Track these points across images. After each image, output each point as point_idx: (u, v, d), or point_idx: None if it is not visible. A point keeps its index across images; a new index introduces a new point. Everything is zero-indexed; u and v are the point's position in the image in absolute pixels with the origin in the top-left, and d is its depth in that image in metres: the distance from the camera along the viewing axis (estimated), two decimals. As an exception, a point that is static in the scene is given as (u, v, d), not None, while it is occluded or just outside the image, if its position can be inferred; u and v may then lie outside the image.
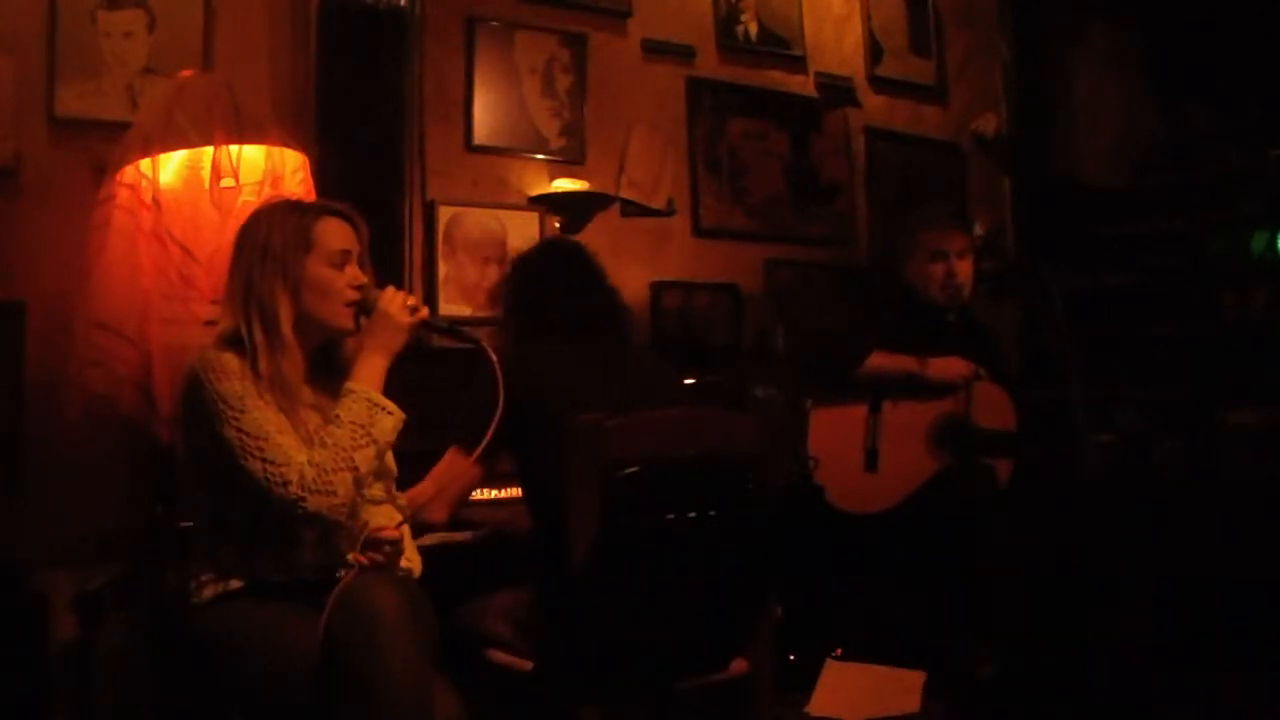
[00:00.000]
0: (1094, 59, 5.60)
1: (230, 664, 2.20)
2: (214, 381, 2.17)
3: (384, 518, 2.37)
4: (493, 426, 2.31)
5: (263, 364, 2.22)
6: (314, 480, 2.12)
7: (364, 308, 2.34)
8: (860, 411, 3.55)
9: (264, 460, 2.12)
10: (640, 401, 2.66)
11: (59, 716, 3.07)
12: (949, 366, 3.58)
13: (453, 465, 2.71)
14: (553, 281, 2.97)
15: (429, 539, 2.79)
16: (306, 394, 2.32)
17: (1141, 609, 3.48)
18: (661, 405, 2.68)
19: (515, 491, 3.03)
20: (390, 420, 2.25)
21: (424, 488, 2.72)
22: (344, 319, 2.33)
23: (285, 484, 2.11)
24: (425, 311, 2.36)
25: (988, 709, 3.34)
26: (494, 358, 2.34)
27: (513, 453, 2.75)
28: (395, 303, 2.31)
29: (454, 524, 2.86)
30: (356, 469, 2.17)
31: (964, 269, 3.66)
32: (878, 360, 3.54)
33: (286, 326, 2.26)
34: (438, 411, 2.68)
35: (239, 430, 2.14)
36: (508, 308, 3.05)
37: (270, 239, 2.30)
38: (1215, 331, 4.87)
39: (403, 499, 2.52)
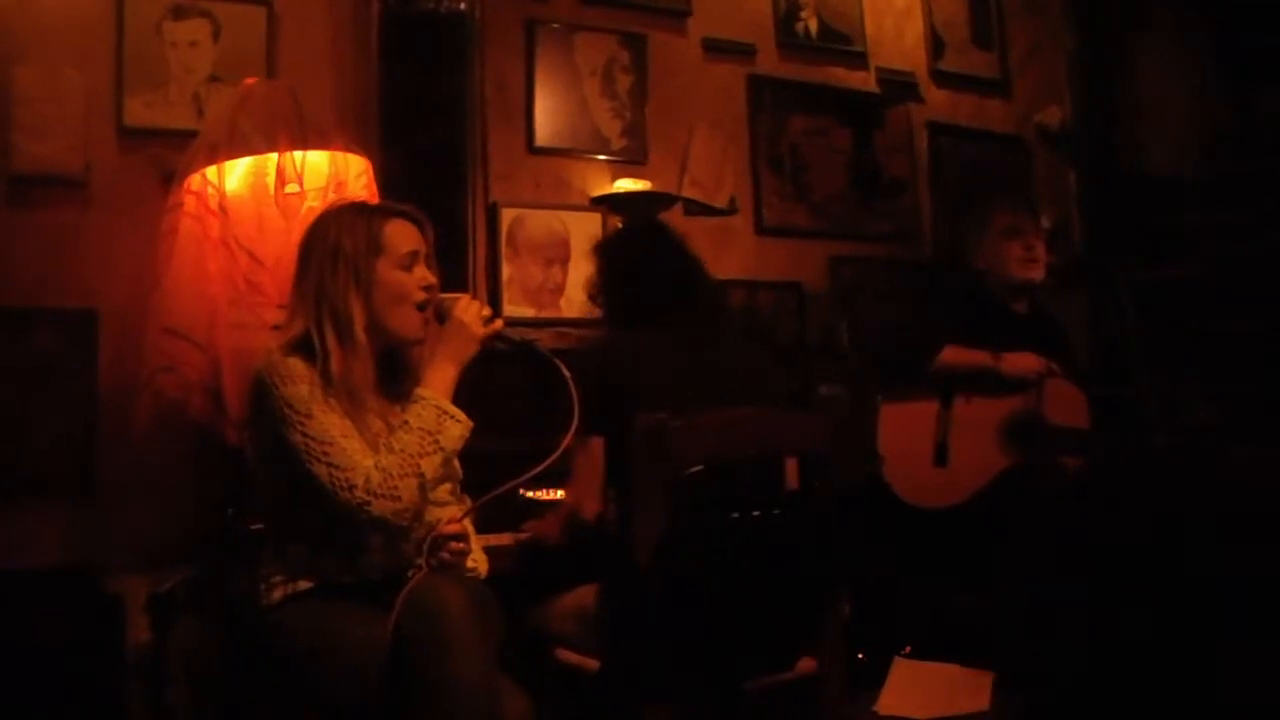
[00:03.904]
0: (1160, 47, 5.50)
1: (299, 664, 2.22)
2: (280, 386, 2.20)
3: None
4: (568, 437, 2.29)
5: (334, 367, 2.23)
6: (380, 485, 2.14)
7: (439, 314, 2.35)
8: (930, 407, 3.51)
9: (329, 465, 2.14)
10: (716, 394, 2.65)
11: (134, 715, 3.11)
12: (1023, 362, 3.53)
13: (586, 459, 2.71)
14: (634, 266, 2.98)
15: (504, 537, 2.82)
16: (371, 399, 2.33)
17: (1214, 607, 3.41)
18: (737, 398, 2.67)
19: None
20: (458, 428, 2.25)
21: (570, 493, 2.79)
22: (414, 324, 2.35)
23: (351, 488, 2.13)
24: (500, 324, 2.36)
25: (1058, 710, 3.29)
26: (566, 373, 2.32)
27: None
28: (470, 312, 2.32)
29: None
30: (422, 475, 2.18)
31: (1040, 249, 3.62)
32: (951, 355, 3.50)
33: (360, 329, 2.28)
34: (501, 411, 2.67)
35: (304, 435, 2.16)
36: (595, 294, 3.07)
37: (341, 243, 2.31)
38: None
39: (466, 498, 2.53)
